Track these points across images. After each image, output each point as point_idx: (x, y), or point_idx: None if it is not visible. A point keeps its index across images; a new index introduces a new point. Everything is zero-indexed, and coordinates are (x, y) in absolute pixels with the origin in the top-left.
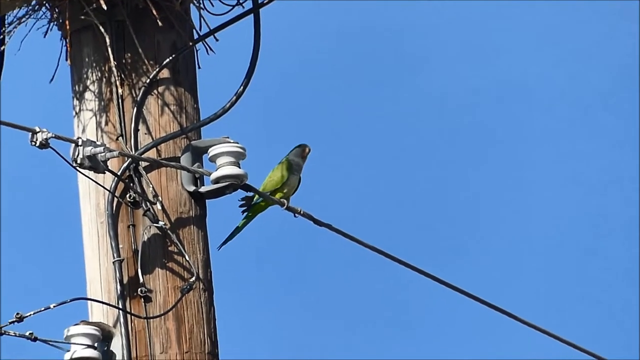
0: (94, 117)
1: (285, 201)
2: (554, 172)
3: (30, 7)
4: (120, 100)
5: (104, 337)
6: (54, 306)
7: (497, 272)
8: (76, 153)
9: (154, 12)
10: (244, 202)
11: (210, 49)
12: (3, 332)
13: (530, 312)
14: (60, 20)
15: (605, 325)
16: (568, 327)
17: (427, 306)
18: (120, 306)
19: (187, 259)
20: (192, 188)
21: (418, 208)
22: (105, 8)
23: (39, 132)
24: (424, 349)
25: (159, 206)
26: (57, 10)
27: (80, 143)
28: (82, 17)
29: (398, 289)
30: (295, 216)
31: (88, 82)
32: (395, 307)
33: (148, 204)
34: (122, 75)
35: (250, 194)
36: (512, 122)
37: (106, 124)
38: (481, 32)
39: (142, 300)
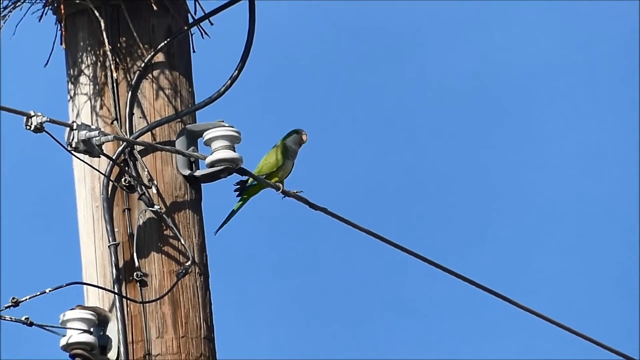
0: (89, 101)
1: (280, 185)
2: (569, 160)
3: None
4: (115, 84)
5: (99, 322)
6: (50, 291)
7: (507, 263)
8: (71, 137)
9: None
10: (238, 185)
11: (205, 33)
12: None
13: (547, 307)
14: (55, 4)
15: (629, 322)
16: (591, 324)
17: (427, 293)
18: (116, 290)
19: (183, 242)
20: (187, 172)
21: (422, 196)
22: None
23: (33, 116)
24: (422, 335)
25: (154, 190)
26: None
27: (75, 127)
28: (77, 1)
29: (396, 275)
30: (282, 198)
31: (83, 66)
32: (393, 294)
33: (143, 187)
34: (117, 59)
35: (246, 177)
36: (525, 107)
37: (101, 108)
38: (482, 14)
39: (138, 284)
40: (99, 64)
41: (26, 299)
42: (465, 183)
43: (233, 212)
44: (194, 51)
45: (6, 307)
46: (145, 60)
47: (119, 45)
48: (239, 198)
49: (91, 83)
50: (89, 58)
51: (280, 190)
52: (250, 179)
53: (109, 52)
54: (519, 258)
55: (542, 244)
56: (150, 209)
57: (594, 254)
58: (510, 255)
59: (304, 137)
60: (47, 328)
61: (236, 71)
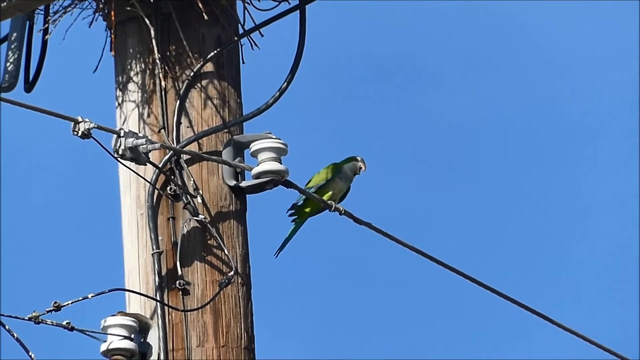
0: (137, 109)
1: (332, 203)
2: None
3: None
4: (163, 93)
5: (140, 329)
6: (92, 296)
7: (507, 262)
8: (118, 144)
9: (200, 5)
10: (293, 210)
11: (255, 44)
12: (40, 320)
13: (546, 307)
14: (106, 11)
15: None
16: (591, 324)
17: (469, 311)
18: (158, 298)
19: (226, 253)
20: (233, 182)
21: (468, 214)
22: (151, 0)
23: (81, 122)
24: (458, 346)
25: (199, 199)
26: (102, 1)
27: (122, 134)
28: (128, 8)
29: (441, 293)
30: (331, 210)
31: (132, 74)
32: (438, 311)
33: (188, 197)
34: (166, 68)
35: (297, 201)
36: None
37: (148, 115)
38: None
39: (180, 292)
40: (147, 71)
41: (68, 304)
42: (499, 197)
43: (290, 236)
44: (243, 62)
45: (48, 311)
46: (195, 70)
47: (168, 53)
48: (293, 222)
49: (139, 91)
50: (138, 65)
51: (333, 208)
52: (301, 201)
53: (158, 60)
54: (520, 258)
55: (542, 244)
56: (195, 218)
57: (594, 253)
58: (511, 255)
59: (362, 167)
60: (87, 333)
61: (285, 83)
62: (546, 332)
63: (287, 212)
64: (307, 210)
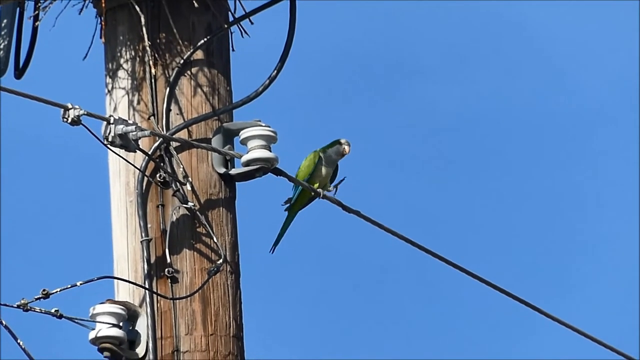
0: (127, 96)
1: (320, 190)
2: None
3: None
4: (153, 80)
5: (129, 317)
6: (81, 284)
7: (508, 262)
8: (107, 131)
9: None
10: (287, 204)
11: (245, 32)
12: (29, 308)
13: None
14: None
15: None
16: (592, 323)
17: (461, 302)
18: (147, 286)
19: (215, 240)
20: (222, 170)
21: (452, 200)
22: None
23: (71, 108)
24: (449, 335)
25: (188, 187)
26: None
27: (112, 121)
28: None
29: (430, 281)
30: (320, 197)
31: (121, 61)
32: (428, 301)
33: (178, 184)
34: (156, 55)
35: (291, 195)
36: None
37: (138, 103)
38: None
39: (169, 280)
40: (137, 59)
41: (57, 292)
42: (496, 189)
43: (283, 230)
44: (233, 50)
45: (36, 299)
46: (185, 57)
47: (158, 41)
48: (286, 214)
49: (129, 78)
50: (128, 53)
51: (321, 196)
52: (293, 192)
53: (148, 48)
54: (522, 258)
55: (543, 244)
56: (184, 205)
57: (594, 253)
58: (513, 254)
59: (346, 149)
60: (76, 321)
61: (275, 71)
62: (546, 329)
63: (282, 204)
64: (299, 202)
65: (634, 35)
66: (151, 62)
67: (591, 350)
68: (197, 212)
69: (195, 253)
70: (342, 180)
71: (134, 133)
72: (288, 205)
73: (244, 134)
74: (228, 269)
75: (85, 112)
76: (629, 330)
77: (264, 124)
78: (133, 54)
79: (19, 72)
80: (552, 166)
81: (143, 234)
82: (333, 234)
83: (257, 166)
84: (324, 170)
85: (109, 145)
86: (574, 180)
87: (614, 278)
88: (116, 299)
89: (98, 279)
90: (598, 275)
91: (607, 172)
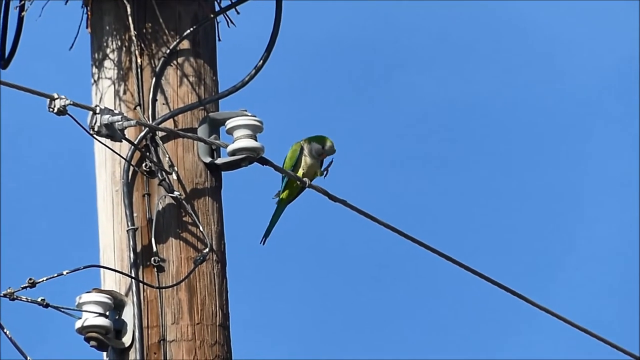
0: (113, 86)
1: (307, 180)
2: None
3: None
4: (139, 70)
5: (115, 306)
6: (67, 273)
7: (508, 261)
8: (94, 121)
9: None
10: (277, 197)
11: (231, 21)
12: (15, 297)
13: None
14: None
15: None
16: (592, 321)
17: (454, 296)
18: (133, 275)
19: (201, 230)
20: (208, 159)
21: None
22: None
23: (57, 98)
24: (442, 330)
25: (174, 176)
26: None
27: (98, 111)
28: None
29: (418, 271)
30: (307, 186)
31: (108, 51)
32: (416, 290)
33: (164, 173)
34: (142, 45)
35: (281, 188)
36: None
37: (124, 93)
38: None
39: (155, 269)
40: (124, 49)
41: (43, 280)
42: (486, 178)
43: (273, 222)
44: (219, 39)
45: (22, 288)
46: (171, 47)
47: (144, 30)
48: (277, 205)
49: (115, 68)
50: (114, 43)
51: (308, 185)
52: (281, 183)
53: (134, 38)
54: (523, 258)
55: (539, 238)
56: (170, 195)
57: (595, 254)
58: (515, 254)
59: (326, 154)
60: (62, 310)
61: (261, 61)
62: (545, 324)
63: (273, 198)
64: (286, 193)
65: (633, 34)
66: (137, 52)
67: (591, 349)
68: (183, 202)
69: (181, 242)
70: (330, 163)
71: (120, 123)
72: (278, 197)
73: (229, 123)
74: (214, 258)
75: (72, 102)
76: (629, 329)
77: (250, 114)
78: (119, 43)
79: (5, 62)
80: (548, 162)
81: (129, 223)
82: (320, 224)
83: (243, 155)
84: (308, 160)
85: (95, 135)
86: (571, 176)
87: (613, 274)
88: (102, 288)
89: (84, 267)
90: (598, 275)
91: (605, 169)
